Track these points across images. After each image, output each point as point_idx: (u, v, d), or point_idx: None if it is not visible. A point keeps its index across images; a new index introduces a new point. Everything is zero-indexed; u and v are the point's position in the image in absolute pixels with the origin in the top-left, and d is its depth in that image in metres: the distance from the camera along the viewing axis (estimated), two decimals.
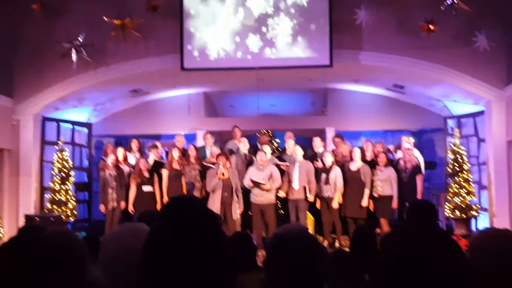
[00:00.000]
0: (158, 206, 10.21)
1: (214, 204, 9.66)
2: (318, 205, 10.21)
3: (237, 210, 9.89)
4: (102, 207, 10.57)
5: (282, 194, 10.19)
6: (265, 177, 9.89)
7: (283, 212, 11.09)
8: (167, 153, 11.79)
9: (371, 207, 10.11)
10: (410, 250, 1.58)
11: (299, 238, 2.14)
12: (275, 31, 10.67)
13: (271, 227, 9.82)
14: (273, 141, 14.92)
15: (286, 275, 2.08)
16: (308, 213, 10.22)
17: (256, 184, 9.90)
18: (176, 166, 10.45)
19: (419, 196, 9.81)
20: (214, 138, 11.98)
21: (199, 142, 13.19)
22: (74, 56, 10.61)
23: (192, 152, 10.78)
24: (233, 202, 9.85)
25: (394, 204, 9.91)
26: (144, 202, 10.27)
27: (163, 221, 1.66)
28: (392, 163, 10.53)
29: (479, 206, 10.94)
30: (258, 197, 9.95)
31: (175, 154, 10.52)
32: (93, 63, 10.81)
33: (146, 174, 10.45)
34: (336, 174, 10.03)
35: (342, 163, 10.50)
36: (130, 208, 10.37)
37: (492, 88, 10.72)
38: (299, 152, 10.27)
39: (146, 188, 10.41)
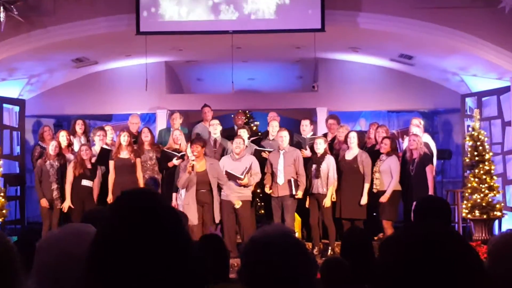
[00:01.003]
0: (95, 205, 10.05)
1: (190, 204, 9.55)
2: (307, 204, 10.26)
3: (218, 213, 9.83)
4: (44, 202, 10.40)
5: (268, 190, 10.19)
6: (243, 169, 9.91)
7: (263, 212, 11.13)
8: None
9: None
10: (415, 257, 1.59)
11: (281, 243, 2.16)
12: (256, 5, 10.62)
13: (247, 229, 9.82)
14: (251, 123, 14.91)
15: None
16: (295, 214, 10.27)
17: (232, 178, 9.92)
18: (124, 154, 10.33)
19: (430, 192, 9.85)
20: (183, 118, 11.96)
21: (160, 124, 13.14)
22: (1, 15, 10.47)
23: (146, 137, 10.68)
24: (214, 202, 9.79)
25: (383, 198, 9.89)
26: (80, 199, 10.17)
27: (113, 220, 1.66)
28: (397, 151, 10.57)
29: (504, 205, 11.05)
30: (232, 193, 9.96)
31: (124, 138, 10.36)
32: (26, 24, 10.67)
33: (89, 165, 10.31)
34: (328, 165, 10.01)
35: (338, 152, 10.52)
36: (70, 204, 10.19)
37: None
38: (285, 136, 10.24)
39: (85, 183, 10.24)
